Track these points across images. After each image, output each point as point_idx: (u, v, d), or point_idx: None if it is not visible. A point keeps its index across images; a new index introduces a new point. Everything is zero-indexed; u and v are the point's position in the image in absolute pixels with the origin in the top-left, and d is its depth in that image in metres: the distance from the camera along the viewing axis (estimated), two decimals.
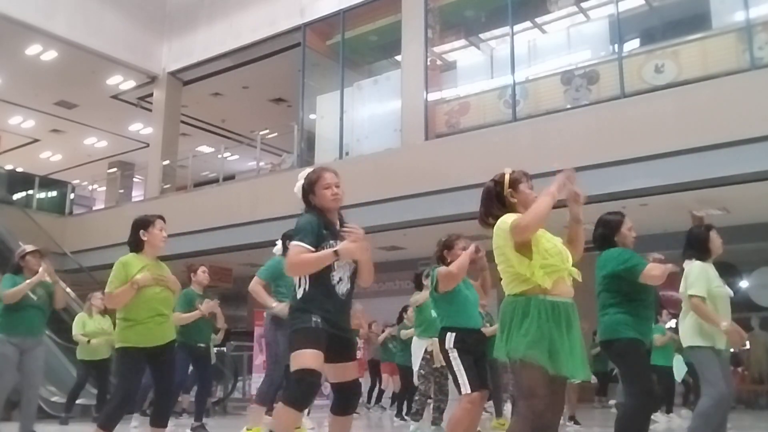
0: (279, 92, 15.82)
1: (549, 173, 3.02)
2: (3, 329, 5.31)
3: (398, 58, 12.62)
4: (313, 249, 3.14)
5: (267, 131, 15.01)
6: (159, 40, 15.63)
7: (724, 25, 9.83)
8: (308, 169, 3.45)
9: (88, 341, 7.92)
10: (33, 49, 14.40)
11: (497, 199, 3.09)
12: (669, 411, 8.91)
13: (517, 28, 11.26)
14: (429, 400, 6.85)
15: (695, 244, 4.45)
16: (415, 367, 6.74)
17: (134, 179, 18.96)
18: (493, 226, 3.02)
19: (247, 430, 5.80)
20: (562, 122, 9.88)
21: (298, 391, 3.10)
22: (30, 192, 17.05)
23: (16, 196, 16.47)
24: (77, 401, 8.19)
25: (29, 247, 5.63)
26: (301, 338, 3.12)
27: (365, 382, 10.06)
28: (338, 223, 3.34)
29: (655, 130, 8.85)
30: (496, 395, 7.35)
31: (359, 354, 11.72)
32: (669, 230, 9.38)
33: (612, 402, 10.09)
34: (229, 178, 15.69)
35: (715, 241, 4.45)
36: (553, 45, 11.63)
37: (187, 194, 14.73)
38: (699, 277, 4.24)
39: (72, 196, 17.44)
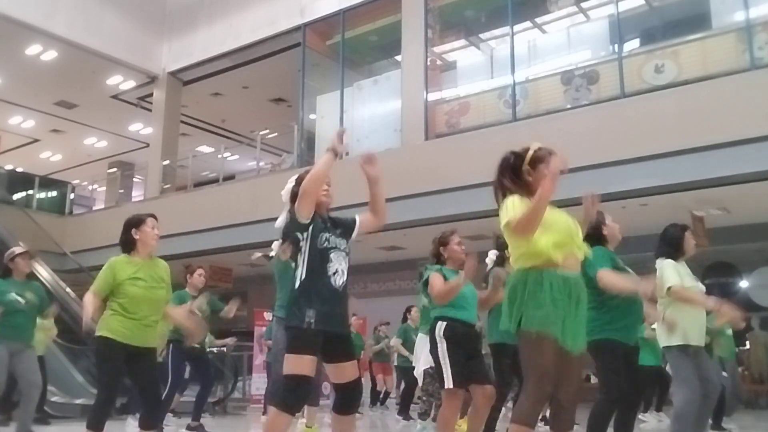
0: (279, 92, 15.82)
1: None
2: None
3: (398, 58, 12.62)
4: None
5: (267, 131, 15.00)
6: (159, 40, 15.63)
7: (724, 25, 9.83)
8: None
9: None
10: (33, 49, 14.41)
11: (512, 171, 2.98)
12: (659, 409, 8.88)
13: (517, 28, 11.26)
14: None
15: (669, 242, 4.48)
16: (420, 366, 6.70)
17: (134, 179, 18.94)
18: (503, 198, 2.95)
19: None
20: (562, 122, 9.87)
21: (291, 397, 3.16)
22: (30, 192, 17.05)
23: (16, 196, 16.46)
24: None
25: (18, 249, 5.60)
26: (295, 340, 3.17)
27: (366, 383, 10.06)
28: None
29: (655, 130, 8.84)
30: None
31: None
32: None
33: None
34: (229, 178, 15.70)
35: (689, 241, 4.50)
36: (553, 45, 11.62)
37: (187, 194, 14.72)
38: (672, 272, 4.29)
39: (72, 196, 17.47)
